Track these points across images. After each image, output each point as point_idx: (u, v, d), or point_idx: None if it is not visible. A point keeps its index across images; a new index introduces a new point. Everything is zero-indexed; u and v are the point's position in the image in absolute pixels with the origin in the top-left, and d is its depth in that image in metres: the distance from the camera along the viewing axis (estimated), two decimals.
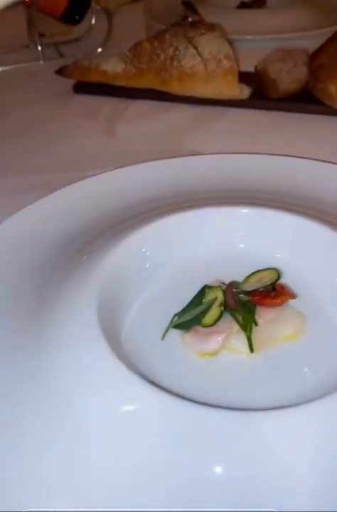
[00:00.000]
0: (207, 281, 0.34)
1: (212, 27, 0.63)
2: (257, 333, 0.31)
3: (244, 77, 0.64)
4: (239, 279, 0.34)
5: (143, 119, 0.63)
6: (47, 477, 0.24)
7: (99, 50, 0.84)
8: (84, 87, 0.69)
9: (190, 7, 0.91)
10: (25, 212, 0.40)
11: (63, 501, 0.23)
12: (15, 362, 0.30)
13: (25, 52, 0.86)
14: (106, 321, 0.30)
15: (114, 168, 0.47)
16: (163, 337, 0.32)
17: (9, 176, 0.52)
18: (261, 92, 0.63)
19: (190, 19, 0.88)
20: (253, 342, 0.31)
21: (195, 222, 0.37)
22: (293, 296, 0.33)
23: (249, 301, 0.32)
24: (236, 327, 0.31)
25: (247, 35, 0.83)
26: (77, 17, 0.82)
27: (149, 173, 0.45)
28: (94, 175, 0.47)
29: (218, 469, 0.24)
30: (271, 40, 0.83)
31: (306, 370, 0.29)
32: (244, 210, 0.38)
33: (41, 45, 0.83)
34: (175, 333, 0.32)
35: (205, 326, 0.31)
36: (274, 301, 0.32)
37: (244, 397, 0.28)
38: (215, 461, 0.24)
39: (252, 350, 0.30)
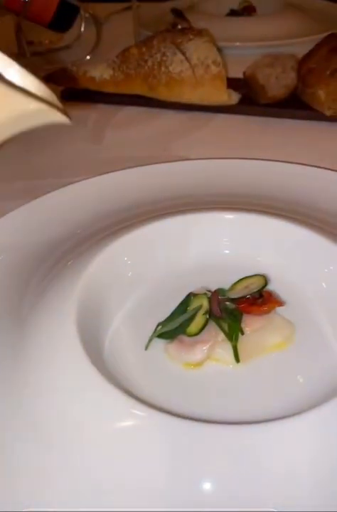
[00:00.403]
0: (192, 288, 0.33)
1: (200, 32, 0.62)
2: (243, 342, 0.30)
3: (232, 83, 0.64)
4: (225, 286, 0.33)
5: (131, 126, 0.62)
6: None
7: (88, 57, 0.84)
8: (72, 94, 0.68)
9: (179, 15, 0.91)
10: (5, 219, 0.39)
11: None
12: None
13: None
14: (87, 333, 0.29)
15: (98, 175, 0.46)
16: (146, 347, 0.31)
17: None
18: (249, 98, 0.62)
19: (179, 26, 0.88)
20: (239, 352, 0.30)
21: (179, 229, 0.36)
22: (281, 303, 0.32)
23: (235, 309, 0.31)
24: (221, 336, 0.30)
25: (236, 42, 0.83)
26: (64, 24, 0.81)
27: (133, 180, 0.44)
28: (72, 182, 0.46)
29: (205, 485, 0.23)
30: (261, 47, 0.82)
31: (294, 380, 0.29)
32: (230, 216, 0.37)
33: (30, 53, 0.82)
34: (159, 343, 0.31)
35: (189, 335, 0.30)
36: (261, 308, 0.31)
37: (230, 409, 0.26)
38: (199, 477, 0.23)
39: (237, 360, 0.29)
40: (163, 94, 0.62)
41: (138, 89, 0.64)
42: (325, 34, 0.83)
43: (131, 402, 0.25)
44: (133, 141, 0.59)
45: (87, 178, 0.46)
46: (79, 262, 0.32)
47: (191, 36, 0.62)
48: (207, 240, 0.36)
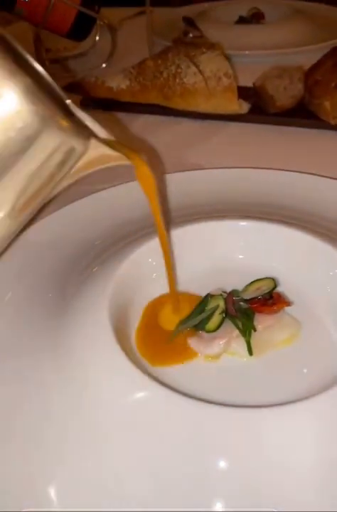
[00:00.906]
0: (210, 290, 0.37)
1: (212, 46, 0.66)
2: (255, 338, 0.34)
3: (243, 93, 0.67)
4: (239, 287, 0.37)
5: (148, 134, 0.66)
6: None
7: (104, 65, 0.87)
8: (91, 102, 0.72)
9: (190, 23, 0.94)
10: (45, 222, 0.43)
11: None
12: (38, 359, 0.33)
13: None
14: (117, 323, 0.33)
15: (123, 182, 0.50)
16: (171, 340, 0.35)
17: None
18: (259, 107, 0.66)
19: (190, 34, 0.91)
20: (252, 346, 0.33)
21: (198, 235, 0.40)
22: (289, 303, 0.36)
23: (248, 308, 0.35)
24: (236, 332, 0.34)
25: (245, 50, 0.86)
26: (81, 34, 0.85)
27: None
28: (103, 188, 0.50)
29: (221, 463, 0.27)
30: (269, 55, 0.86)
31: (300, 371, 0.32)
32: (243, 223, 0.41)
33: (48, 61, 0.86)
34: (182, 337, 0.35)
35: (208, 332, 0.34)
36: (271, 308, 0.35)
37: (243, 396, 0.30)
38: (217, 456, 0.27)
39: (250, 353, 0.33)
40: (177, 104, 0.66)
41: (154, 99, 0.67)
42: (331, 42, 0.87)
43: (155, 384, 0.29)
44: (149, 149, 0.62)
45: (114, 186, 0.50)
46: (112, 262, 0.36)
47: (204, 49, 0.65)
48: (223, 246, 0.40)
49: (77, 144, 0.25)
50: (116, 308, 0.34)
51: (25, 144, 0.24)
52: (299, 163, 0.56)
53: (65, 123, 0.25)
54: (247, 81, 0.71)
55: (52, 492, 0.26)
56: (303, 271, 0.38)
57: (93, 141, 0.26)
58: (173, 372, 0.33)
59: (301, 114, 0.64)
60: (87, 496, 0.26)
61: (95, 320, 0.33)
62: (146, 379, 0.29)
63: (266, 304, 0.36)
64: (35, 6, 0.77)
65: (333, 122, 0.61)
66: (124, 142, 0.27)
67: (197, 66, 0.64)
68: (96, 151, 0.26)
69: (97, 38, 0.91)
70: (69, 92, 0.74)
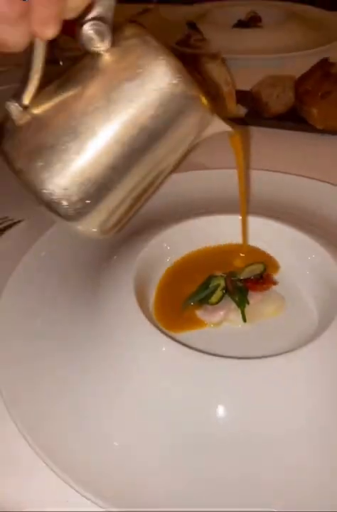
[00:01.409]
0: (212, 271, 0.46)
1: (213, 56, 0.74)
2: (248, 309, 0.43)
3: (241, 97, 0.76)
4: (236, 269, 0.46)
5: None
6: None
7: None
8: None
9: (193, 27, 1.02)
10: None
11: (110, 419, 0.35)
12: (75, 329, 0.42)
13: (46, 67, 0.96)
14: (139, 296, 0.42)
15: None
16: (183, 309, 0.44)
17: None
18: (255, 111, 0.75)
19: (193, 37, 0.99)
20: (246, 316, 0.43)
21: (203, 226, 0.49)
22: (275, 283, 0.45)
23: (243, 286, 0.44)
24: (234, 305, 0.43)
25: (243, 54, 0.94)
26: None
27: (166, 184, 0.57)
28: None
29: (222, 409, 0.36)
30: (266, 59, 0.94)
31: (284, 333, 0.42)
32: (240, 217, 0.50)
33: (61, 60, 0.94)
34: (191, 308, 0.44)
35: (211, 304, 0.43)
36: (262, 286, 0.45)
37: (240, 352, 0.40)
38: (219, 401, 0.36)
39: (244, 320, 0.42)
40: None
41: None
42: (325, 46, 0.95)
43: (170, 341, 0.38)
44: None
45: None
46: (135, 247, 0.45)
47: (206, 59, 0.74)
48: (224, 235, 0.49)
49: (210, 117, 0.32)
50: (139, 283, 0.43)
51: (177, 112, 0.30)
52: (289, 163, 0.65)
53: (204, 100, 0.31)
54: (244, 83, 0.79)
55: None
56: (287, 257, 0.47)
57: (215, 117, 0.33)
58: (185, 336, 0.42)
59: (292, 119, 0.72)
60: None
61: (122, 293, 0.43)
62: (163, 337, 0.38)
63: (258, 283, 0.45)
64: None
65: (319, 127, 0.70)
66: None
67: (200, 74, 0.72)
68: (217, 122, 0.34)
69: None
70: None
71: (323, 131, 0.70)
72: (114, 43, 0.30)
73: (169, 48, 0.31)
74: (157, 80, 0.29)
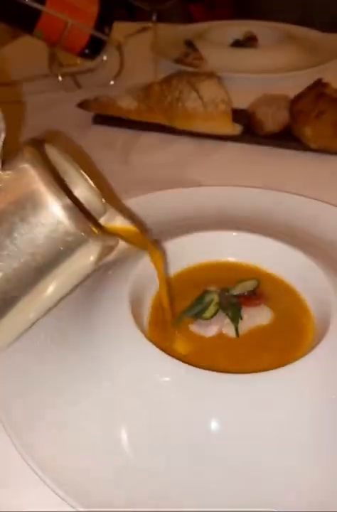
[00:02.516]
0: (206, 286, 0.46)
1: (210, 75, 0.76)
2: (241, 324, 0.44)
3: (237, 115, 0.77)
4: (230, 285, 0.47)
5: (153, 150, 0.75)
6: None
7: (112, 82, 0.97)
8: (102, 119, 0.81)
9: (191, 45, 1.04)
10: None
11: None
12: (69, 344, 0.42)
13: (45, 81, 0.98)
14: (134, 311, 0.42)
15: (134, 194, 0.60)
16: (176, 323, 0.44)
17: None
18: (251, 129, 0.76)
19: (191, 56, 1.01)
20: (239, 330, 0.43)
21: (198, 242, 0.50)
22: (268, 298, 0.46)
23: (236, 302, 0.45)
24: (227, 320, 0.44)
25: (240, 73, 0.96)
26: (92, 53, 0.94)
27: (163, 200, 0.58)
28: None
29: (216, 423, 0.36)
30: (262, 78, 0.96)
31: (277, 346, 0.42)
32: (234, 234, 0.51)
33: (61, 76, 0.95)
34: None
35: (205, 319, 0.44)
36: (254, 302, 0.45)
37: (233, 365, 0.40)
38: (214, 416, 0.36)
39: (238, 335, 0.43)
40: (179, 124, 0.76)
41: (158, 119, 0.77)
42: (319, 67, 0.97)
43: (164, 356, 0.38)
44: (155, 164, 0.72)
45: (126, 197, 0.59)
46: (130, 262, 0.46)
47: (203, 77, 0.75)
48: (217, 251, 0.50)
49: (106, 245, 0.32)
50: (133, 298, 0.44)
51: (65, 247, 0.29)
52: (283, 181, 0.66)
53: (96, 232, 0.30)
54: (240, 102, 0.81)
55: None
56: (279, 272, 0.48)
57: (120, 243, 0.33)
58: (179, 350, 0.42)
59: (286, 137, 0.74)
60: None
61: (117, 309, 0.43)
62: (158, 352, 0.39)
63: (251, 299, 0.45)
64: (53, 29, 0.86)
65: (313, 146, 0.71)
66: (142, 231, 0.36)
67: (197, 92, 0.74)
68: (121, 248, 0.33)
69: (105, 57, 1.00)
70: (83, 109, 0.83)
71: (316, 151, 0.71)
72: (7, 167, 0.29)
73: (54, 183, 0.29)
74: (42, 216, 0.28)
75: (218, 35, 1.14)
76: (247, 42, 1.11)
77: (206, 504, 0.31)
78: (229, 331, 0.44)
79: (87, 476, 0.33)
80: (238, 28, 1.17)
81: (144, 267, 0.46)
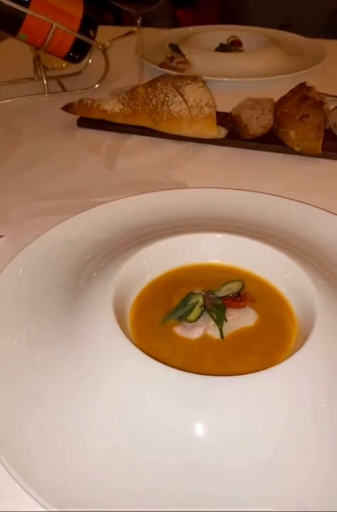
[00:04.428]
0: (191, 288, 0.46)
1: (195, 78, 0.76)
2: (226, 326, 0.44)
3: (221, 119, 0.78)
4: (215, 287, 0.46)
5: (138, 153, 0.75)
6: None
7: (97, 85, 0.96)
8: (86, 122, 0.81)
9: (175, 49, 1.04)
10: (51, 233, 0.52)
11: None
12: (53, 348, 0.42)
13: (30, 84, 0.97)
14: (118, 313, 0.42)
15: (120, 197, 0.59)
16: (162, 324, 0.44)
17: (28, 202, 0.64)
18: (235, 133, 0.76)
19: (176, 60, 1.01)
20: (224, 332, 0.43)
21: (183, 244, 0.50)
22: (253, 300, 0.46)
23: (221, 304, 0.45)
24: (212, 322, 0.44)
25: (224, 77, 0.96)
26: (77, 57, 0.94)
27: (148, 203, 0.58)
28: (102, 201, 0.59)
29: (200, 427, 0.36)
30: (246, 82, 0.96)
31: (261, 347, 0.42)
32: (219, 236, 0.51)
33: (45, 78, 0.95)
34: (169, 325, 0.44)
35: (189, 322, 0.44)
36: (239, 304, 0.45)
37: (218, 367, 0.40)
38: (200, 420, 0.36)
39: (222, 338, 0.43)
40: (164, 127, 0.76)
41: (143, 122, 0.77)
42: (303, 71, 0.98)
43: (150, 360, 0.38)
44: (140, 167, 0.72)
45: (112, 200, 0.59)
46: (113, 266, 0.46)
47: (188, 81, 0.75)
48: (202, 253, 0.49)
49: None
50: (117, 301, 0.44)
51: None
52: (268, 184, 0.66)
53: None
54: (225, 105, 0.81)
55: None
56: (264, 274, 0.48)
57: None
58: (163, 352, 0.42)
59: (271, 140, 0.74)
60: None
61: (101, 311, 0.43)
62: (142, 355, 0.38)
63: (236, 301, 0.45)
64: (38, 32, 0.86)
65: (297, 149, 0.72)
66: None
67: (182, 95, 0.74)
68: None
69: (90, 61, 1.00)
70: (67, 112, 0.83)
71: (300, 153, 0.72)
72: None
73: None
74: None
75: (203, 40, 1.15)
76: (232, 46, 1.11)
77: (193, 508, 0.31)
78: (214, 333, 0.43)
79: (67, 480, 0.32)
80: (223, 33, 1.18)
81: (128, 269, 0.45)
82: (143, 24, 0.91)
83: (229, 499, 0.32)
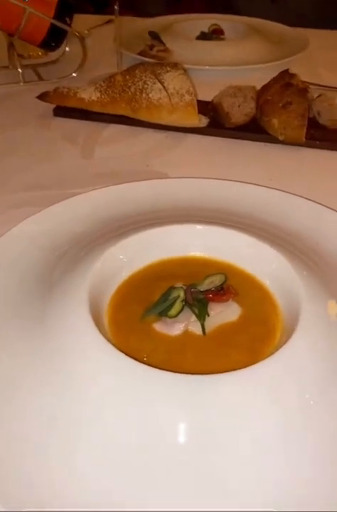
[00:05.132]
0: (172, 283, 0.44)
1: (175, 65, 0.73)
2: (208, 321, 0.42)
3: (202, 107, 0.75)
4: (196, 281, 0.44)
5: (117, 143, 0.73)
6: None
7: (74, 74, 0.93)
8: (63, 112, 0.78)
9: (155, 37, 1.01)
10: (25, 224, 0.50)
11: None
12: (26, 344, 0.39)
13: (4, 73, 0.94)
14: (94, 310, 0.40)
15: (97, 187, 0.57)
16: (141, 320, 0.42)
17: (2, 193, 0.61)
18: (216, 121, 0.74)
19: (156, 48, 0.99)
20: (206, 328, 0.41)
21: (163, 236, 0.47)
22: (236, 294, 0.44)
23: (203, 298, 0.43)
24: (193, 317, 0.42)
25: (205, 65, 0.94)
26: (53, 44, 0.90)
27: (127, 193, 0.55)
28: (79, 192, 0.56)
29: (182, 427, 0.34)
30: (227, 71, 0.94)
31: (245, 343, 0.40)
32: (200, 227, 0.48)
33: (20, 67, 0.91)
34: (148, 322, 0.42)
35: (170, 317, 0.42)
36: (222, 298, 0.43)
37: (200, 364, 0.38)
38: (180, 419, 0.34)
39: (204, 333, 0.41)
40: (143, 116, 0.73)
41: (122, 111, 0.74)
42: (284, 60, 0.96)
43: (127, 359, 0.36)
44: (118, 157, 0.69)
45: (89, 191, 0.56)
46: (88, 260, 0.43)
47: (168, 68, 0.73)
48: (183, 245, 0.47)
49: None
50: (93, 297, 0.41)
51: None
52: (250, 173, 0.64)
53: None
54: (206, 94, 0.79)
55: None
56: (247, 266, 0.46)
57: None
58: (142, 349, 0.40)
59: (253, 129, 0.72)
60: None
61: (75, 308, 0.40)
62: (119, 354, 0.36)
63: (218, 295, 0.43)
64: (10, 17, 0.82)
65: (280, 138, 0.70)
66: None
67: (162, 83, 0.71)
68: None
69: (67, 48, 0.96)
70: (43, 101, 0.80)
71: (284, 142, 0.70)
72: None
73: None
74: None
75: (184, 28, 1.12)
76: (213, 35, 1.09)
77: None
78: (195, 328, 0.41)
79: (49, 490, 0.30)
80: (204, 22, 1.15)
81: (104, 262, 0.43)
82: (133, 11, 0.89)
83: (212, 499, 0.30)
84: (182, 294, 0.42)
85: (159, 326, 0.42)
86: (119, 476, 0.31)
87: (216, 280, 0.44)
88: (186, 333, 0.41)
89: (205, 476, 0.31)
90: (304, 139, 0.69)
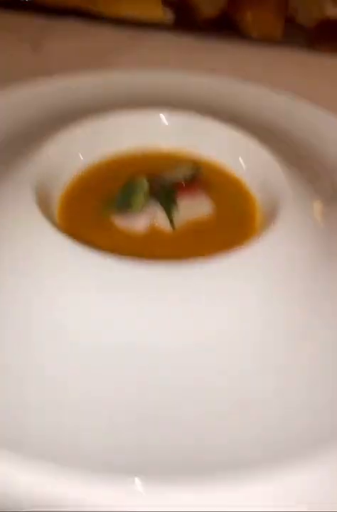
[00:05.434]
0: (136, 173, 0.38)
1: None
2: (177, 217, 0.36)
3: (168, 3, 0.67)
4: (162, 172, 0.38)
5: (71, 38, 0.64)
6: None
7: None
8: (5, 3, 0.68)
9: None
10: None
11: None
12: None
13: None
14: (42, 202, 0.33)
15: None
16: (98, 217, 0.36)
17: None
18: (184, 16, 0.66)
19: None
20: (174, 223, 0.36)
21: (123, 124, 0.41)
22: (206, 186, 0.38)
23: (171, 190, 0.37)
24: (159, 212, 0.36)
25: None
26: None
27: (83, 83, 0.48)
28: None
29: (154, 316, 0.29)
30: None
31: (218, 238, 0.35)
32: (167, 114, 0.42)
33: None
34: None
35: (133, 210, 0.36)
36: (192, 191, 0.38)
37: (168, 260, 0.33)
38: (150, 312, 0.29)
39: (173, 228, 0.35)
40: (102, 8, 0.64)
41: (77, 2, 0.65)
42: None
43: (86, 250, 0.30)
44: (72, 52, 0.61)
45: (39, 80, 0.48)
46: (39, 146, 0.37)
47: None
48: (147, 135, 0.41)
49: None
50: (41, 189, 0.35)
51: None
52: (220, 72, 0.57)
53: None
54: None
55: None
56: (220, 158, 0.41)
57: None
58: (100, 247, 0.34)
59: (224, 24, 0.65)
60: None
61: (21, 200, 0.34)
62: (74, 246, 0.30)
63: (188, 188, 0.38)
64: None
65: (253, 34, 0.63)
66: None
67: None
68: None
69: None
70: None
71: (257, 39, 0.64)
72: None
73: None
74: None
75: None
76: None
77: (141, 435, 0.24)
78: (162, 223, 0.36)
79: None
80: None
81: (53, 152, 0.37)
82: None
83: (180, 419, 0.25)
84: (146, 184, 0.37)
85: (121, 222, 0.36)
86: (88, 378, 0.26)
87: (185, 170, 0.38)
88: (152, 230, 0.36)
89: (169, 391, 0.26)
90: (280, 37, 0.63)
